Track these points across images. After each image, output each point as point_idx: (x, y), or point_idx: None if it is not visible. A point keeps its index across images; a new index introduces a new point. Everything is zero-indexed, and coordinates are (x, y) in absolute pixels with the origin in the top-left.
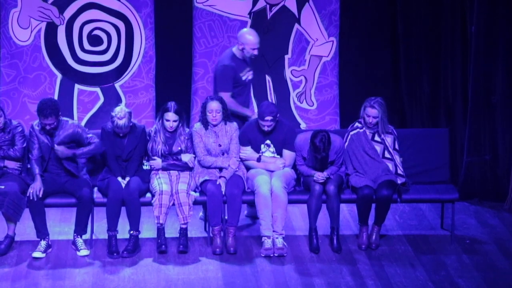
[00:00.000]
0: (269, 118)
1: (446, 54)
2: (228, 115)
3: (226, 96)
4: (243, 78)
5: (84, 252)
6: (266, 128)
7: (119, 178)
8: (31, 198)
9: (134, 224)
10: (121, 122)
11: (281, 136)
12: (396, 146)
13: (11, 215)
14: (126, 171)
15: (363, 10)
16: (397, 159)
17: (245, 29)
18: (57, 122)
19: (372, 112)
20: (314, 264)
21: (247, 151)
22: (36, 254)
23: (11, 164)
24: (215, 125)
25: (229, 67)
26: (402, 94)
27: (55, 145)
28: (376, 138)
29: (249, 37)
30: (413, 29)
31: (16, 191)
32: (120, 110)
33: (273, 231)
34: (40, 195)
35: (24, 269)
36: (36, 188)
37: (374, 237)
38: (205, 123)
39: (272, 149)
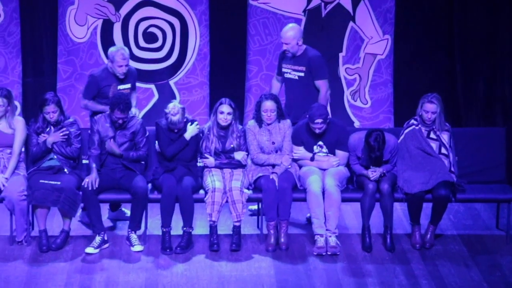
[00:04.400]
0: (319, 120)
1: (503, 51)
2: (283, 113)
3: (274, 79)
4: (283, 70)
5: (138, 247)
6: (317, 131)
7: None
8: (85, 186)
9: (188, 220)
10: (175, 118)
11: (333, 137)
12: (451, 144)
13: (67, 211)
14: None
15: (418, 8)
16: (451, 156)
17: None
18: (128, 117)
19: (431, 107)
20: (367, 263)
21: (300, 151)
22: (89, 249)
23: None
24: (269, 124)
25: (280, 53)
26: (457, 93)
27: (109, 140)
28: (432, 135)
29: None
30: (470, 27)
31: (72, 187)
32: (173, 107)
33: (326, 229)
34: (96, 186)
35: (79, 263)
36: (92, 178)
37: (429, 236)
38: (259, 121)
39: (325, 150)
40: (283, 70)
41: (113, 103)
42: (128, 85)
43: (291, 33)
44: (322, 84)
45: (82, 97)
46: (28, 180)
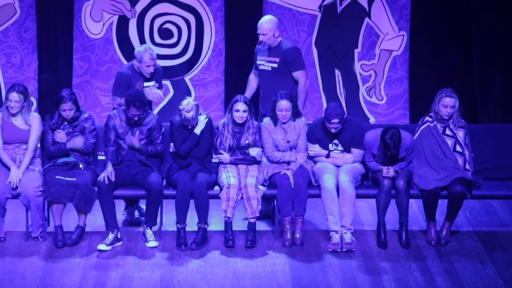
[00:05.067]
0: (335, 120)
1: None
2: (298, 112)
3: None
4: (257, 62)
5: (152, 243)
6: (333, 130)
7: None
8: (101, 181)
9: (203, 216)
10: (189, 115)
11: (349, 135)
12: (467, 141)
13: (82, 207)
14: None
15: (434, 4)
16: (467, 154)
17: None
18: (144, 114)
19: (449, 101)
20: (382, 259)
21: (316, 148)
22: (101, 246)
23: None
24: (284, 123)
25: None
26: (474, 89)
27: (129, 134)
28: (447, 132)
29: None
30: (486, 23)
31: (87, 183)
32: (187, 103)
33: (341, 226)
34: (113, 178)
35: (94, 259)
36: (108, 172)
37: (444, 232)
38: (275, 119)
39: (340, 147)
40: (258, 62)
41: (128, 100)
42: (153, 83)
43: (269, 24)
44: (300, 75)
45: (114, 95)
46: (44, 176)
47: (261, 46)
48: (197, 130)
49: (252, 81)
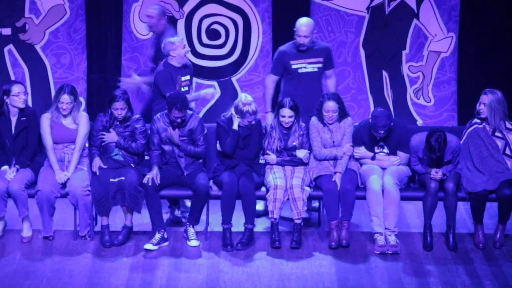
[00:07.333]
0: (382, 131)
1: None
2: (345, 113)
3: (269, 79)
4: (293, 66)
5: (194, 242)
6: (378, 138)
7: None
8: (145, 182)
9: (249, 217)
10: (252, 108)
11: (395, 139)
12: None
13: (132, 208)
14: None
15: (483, 5)
16: None
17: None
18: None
19: (482, 98)
20: (429, 262)
21: (361, 150)
22: (148, 246)
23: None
24: (331, 124)
25: (279, 53)
26: None
27: (169, 128)
28: (497, 133)
29: (297, 23)
30: None
31: (135, 184)
32: (245, 97)
33: (385, 228)
34: (158, 181)
35: (140, 259)
36: (153, 175)
37: (498, 235)
38: (321, 120)
39: (386, 150)
40: (294, 66)
41: (170, 103)
42: (188, 77)
43: (311, 27)
44: (333, 73)
45: (165, 94)
46: (94, 176)
47: (300, 48)
48: (235, 126)
49: (271, 87)
